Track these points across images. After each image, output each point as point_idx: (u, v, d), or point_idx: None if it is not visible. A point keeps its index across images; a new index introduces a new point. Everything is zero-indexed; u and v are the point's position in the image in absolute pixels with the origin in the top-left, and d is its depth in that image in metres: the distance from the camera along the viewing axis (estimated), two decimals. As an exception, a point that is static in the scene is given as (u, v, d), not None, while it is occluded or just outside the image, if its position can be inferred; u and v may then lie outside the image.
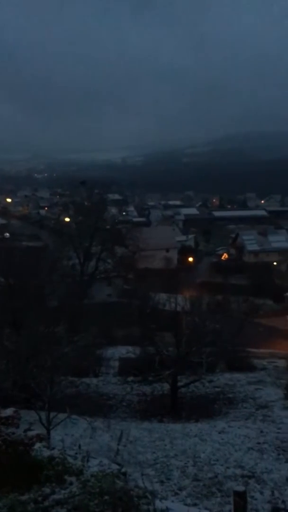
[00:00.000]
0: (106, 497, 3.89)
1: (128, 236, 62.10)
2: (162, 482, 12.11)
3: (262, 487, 11.76)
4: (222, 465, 13.40)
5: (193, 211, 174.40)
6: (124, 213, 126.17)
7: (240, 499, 4.94)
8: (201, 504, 10.76)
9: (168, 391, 21.81)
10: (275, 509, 4.22)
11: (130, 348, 27.37)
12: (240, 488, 5.34)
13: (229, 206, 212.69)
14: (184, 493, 11.40)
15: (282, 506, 8.57)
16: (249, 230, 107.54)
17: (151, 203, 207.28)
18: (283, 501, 6.31)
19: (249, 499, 10.71)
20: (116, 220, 69.29)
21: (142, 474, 12.36)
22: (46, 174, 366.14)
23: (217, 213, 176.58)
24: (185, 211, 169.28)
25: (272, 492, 8.30)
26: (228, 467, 13.17)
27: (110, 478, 4.18)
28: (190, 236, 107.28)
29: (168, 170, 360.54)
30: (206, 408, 20.72)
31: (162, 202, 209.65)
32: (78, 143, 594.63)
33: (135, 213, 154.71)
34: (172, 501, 11.08)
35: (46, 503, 4.07)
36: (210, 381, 24.88)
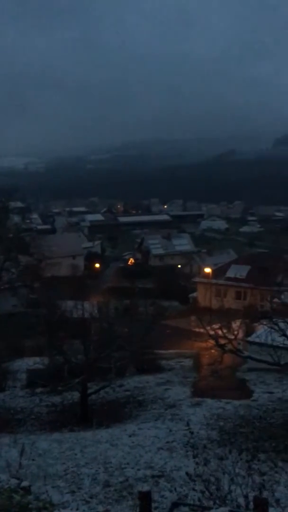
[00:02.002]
0: (2, 514, 3.76)
1: (32, 244, 60.72)
2: (73, 492, 11.94)
3: (172, 485, 12.03)
4: (132, 468, 13.51)
5: (98, 217, 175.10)
6: (27, 221, 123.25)
7: (144, 499, 5.02)
8: (113, 509, 10.77)
9: (79, 400, 21.59)
10: (174, 504, 4.34)
11: (37, 359, 26.68)
12: (145, 488, 5.40)
13: (133, 212, 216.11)
14: (95, 500, 11.33)
15: (190, 501, 8.80)
16: (154, 234, 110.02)
17: (56, 210, 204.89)
18: (186, 496, 6.52)
19: (159, 498, 10.93)
20: (20, 228, 67.31)
21: (52, 487, 12.13)
22: None
23: (122, 219, 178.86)
24: (91, 217, 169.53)
25: (175, 488, 8.53)
26: (138, 469, 13.31)
27: (7, 494, 4.04)
28: (96, 242, 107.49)
29: (72, 176, 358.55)
30: (116, 413, 20.80)
31: (67, 209, 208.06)
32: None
33: (40, 221, 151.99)
34: (84, 511, 10.99)
35: None
36: (120, 386, 25.04)
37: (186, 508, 4.49)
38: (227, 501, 5.14)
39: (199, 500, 5.27)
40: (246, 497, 5.65)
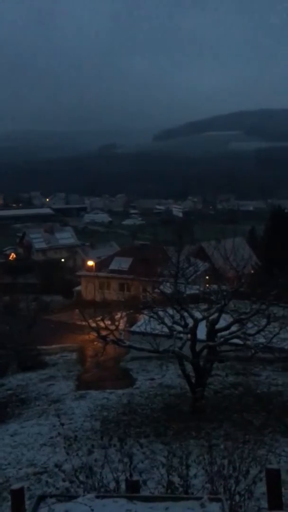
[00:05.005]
0: None
1: None
2: None
3: (55, 481, 11.92)
4: (14, 467, 13.16)
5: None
6: None
7: (16, 496, 4.91)
8: (-8, 512, 10.41)
9: None
10: (41, 497, 4.33)
11: None
12: (17, 485, 5.31)
13: (14, 205, 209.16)
14: (-27, 506, 10.85)
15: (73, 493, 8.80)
16: (36, 228, 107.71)
17: None
18: (58, 488, 6.55)
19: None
20: None
21: None
22: None
23: (1, 212, 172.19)
24: None
25: (46, 482, 8.51)
26: (20, 469, 12.99)
27: None
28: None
29: None
30: (-3, 414, 20.07)
31: None
32: None
33: None
34: None
35: None
36: (1, 385, 24.22)
37: (53, 500, 4.49)
38: (100, 488, 5.22)
39: (67, 489, 5.27)
40: (117, 481, 5.79)
